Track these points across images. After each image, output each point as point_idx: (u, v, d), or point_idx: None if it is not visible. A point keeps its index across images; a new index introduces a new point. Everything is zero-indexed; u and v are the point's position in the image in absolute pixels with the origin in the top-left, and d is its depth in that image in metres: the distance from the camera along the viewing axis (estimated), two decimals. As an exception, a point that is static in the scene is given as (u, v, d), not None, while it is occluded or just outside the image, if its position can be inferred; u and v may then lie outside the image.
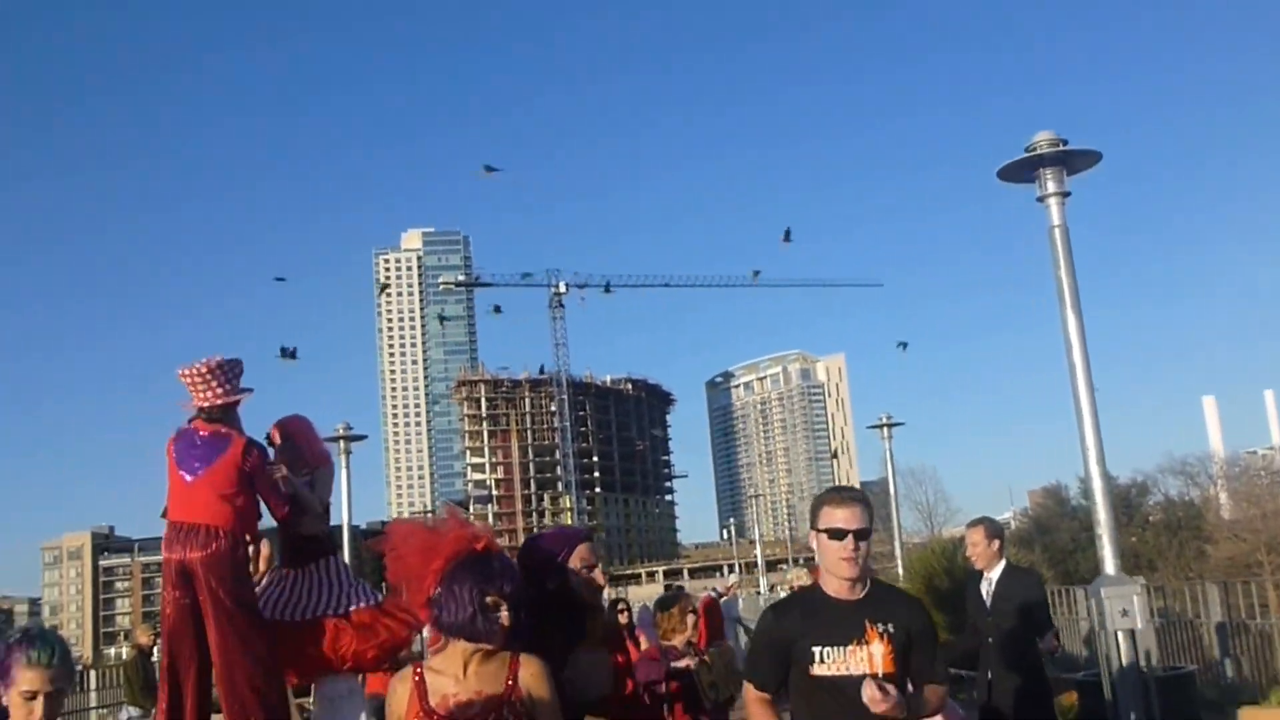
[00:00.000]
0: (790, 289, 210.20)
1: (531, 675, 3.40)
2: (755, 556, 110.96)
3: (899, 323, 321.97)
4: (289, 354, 54.33)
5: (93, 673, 21.16)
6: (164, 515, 5.83)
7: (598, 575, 4.30)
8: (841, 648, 3.79)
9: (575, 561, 4.18)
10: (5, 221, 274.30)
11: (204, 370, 5.65)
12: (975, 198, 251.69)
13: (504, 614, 3.35)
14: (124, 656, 17.28)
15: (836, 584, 3.89)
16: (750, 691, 4.03)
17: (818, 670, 3.80)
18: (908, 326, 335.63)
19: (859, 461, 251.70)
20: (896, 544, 28.84)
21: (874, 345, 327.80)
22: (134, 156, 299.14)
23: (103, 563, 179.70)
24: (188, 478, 5.60)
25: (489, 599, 3.31)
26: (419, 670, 3.40)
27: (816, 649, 3.80)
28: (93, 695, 20.19)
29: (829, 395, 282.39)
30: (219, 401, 5.66)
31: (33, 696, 3.35)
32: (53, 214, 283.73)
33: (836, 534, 3.82)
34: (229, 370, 5.69)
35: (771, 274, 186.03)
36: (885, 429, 27.79)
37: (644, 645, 8.14)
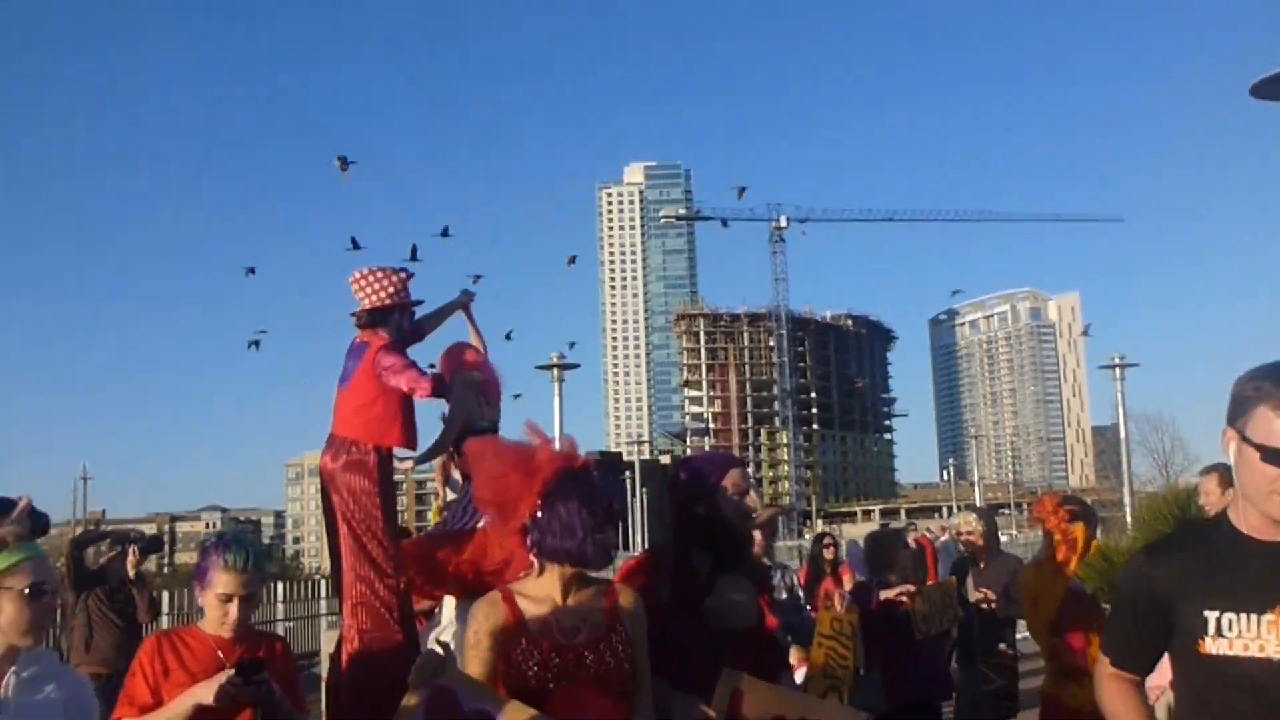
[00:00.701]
0: (1020, 224, 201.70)
1: (630, 603, 3.22)
2: (975, 499, 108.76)
3: (1139, 260, 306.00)
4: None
5: (280, 584, 21.01)
6: None
7: (751, 500, 4.00)
8: (1256, 616, 2.51)
9: (727, 485, 3.86)
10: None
11: (358, 275, 5.51)
12: (1226, 123, 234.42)
13: (610, 535, 3.13)
14: None
15: (1258, 521, 2.64)
16: (1105, 668, 2.80)
17: (1213, 647, 2.54)
18: (1149, 264, 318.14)
19: (1090, 406, 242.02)
20: (1126, 492, 27.63)
21: (1111, 283, 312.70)
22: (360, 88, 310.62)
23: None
24: (336, 389, 5.48)
25: (596, 519, 3.06)
26: (508, 594, 3.14)
27: (1213, 615, 2.55)
28: (280, 607, 20.03)
29: (1060, 335, 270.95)
30: (365, 305, 5.47)
31: (228, 599, 3.48)
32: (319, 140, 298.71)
33: (1275, 455, 2.51)
34: (384, 277, 5.48)
35: (1001, 208, 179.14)
36: (1118, 370, 26.58)
37: (848, 582, 7.89)
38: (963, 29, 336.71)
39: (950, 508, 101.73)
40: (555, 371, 29.63)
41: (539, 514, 3.07)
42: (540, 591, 3.12)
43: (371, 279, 5.45)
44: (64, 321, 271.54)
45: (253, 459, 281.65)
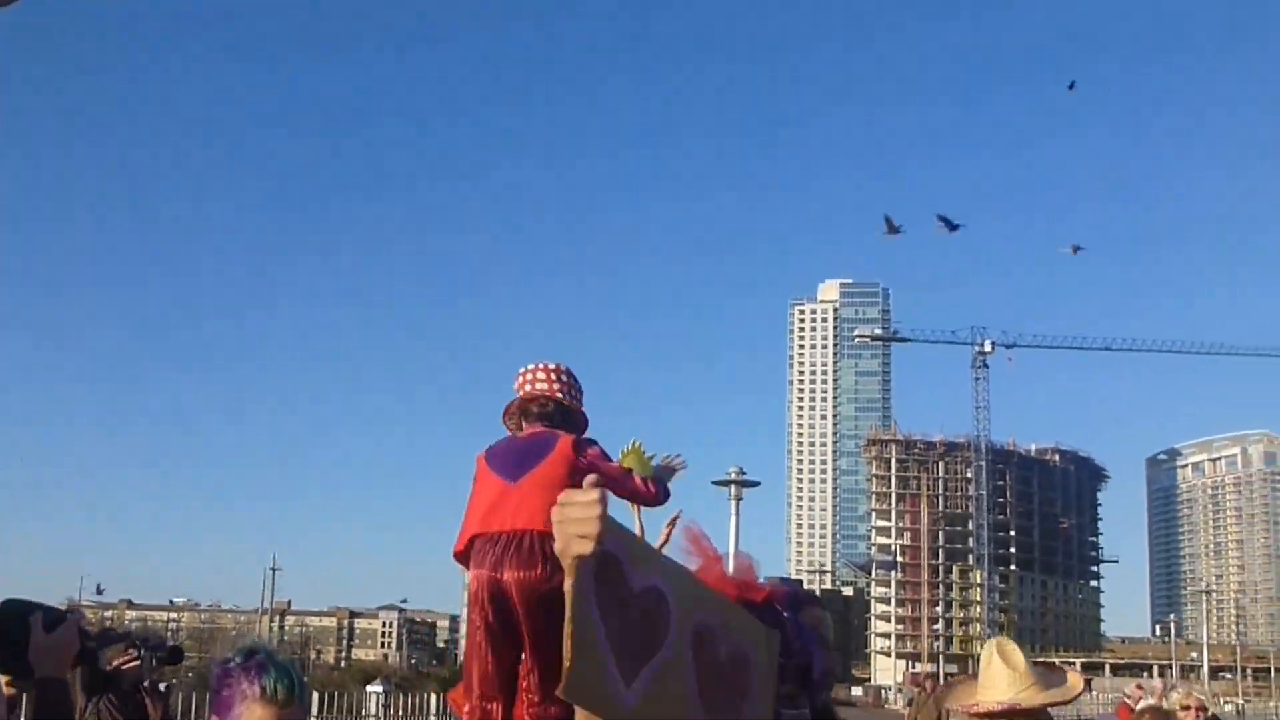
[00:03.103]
0: (1252, 358, 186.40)
1: None
2: (1193, 659, 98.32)
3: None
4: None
5: (435, 696, 21.00)
6: (459, 550, 5.06)
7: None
8: None
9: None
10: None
11: (547, 367, 5.17)
12: None
13: (803, 709, 2.32)
14: None
15: None
16: None
17: None
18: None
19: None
20: None
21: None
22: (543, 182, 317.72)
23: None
24: (507, 482, 4.92)
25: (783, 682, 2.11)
26: None
27: None
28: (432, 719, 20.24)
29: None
30: (556, 395, 5.07)
31: None
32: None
33: None
34: (572, 378, 5.23)
35: (1231, 340, 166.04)
36: None
37: None
38: (1182, 160, 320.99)
39: (1161, 667, 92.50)
40: (733, 489, 26.42)
41: None
42: None
43: (562, 374, 5.20)
44: (263, 410, 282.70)
45: (433, 560, 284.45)
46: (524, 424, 5.11)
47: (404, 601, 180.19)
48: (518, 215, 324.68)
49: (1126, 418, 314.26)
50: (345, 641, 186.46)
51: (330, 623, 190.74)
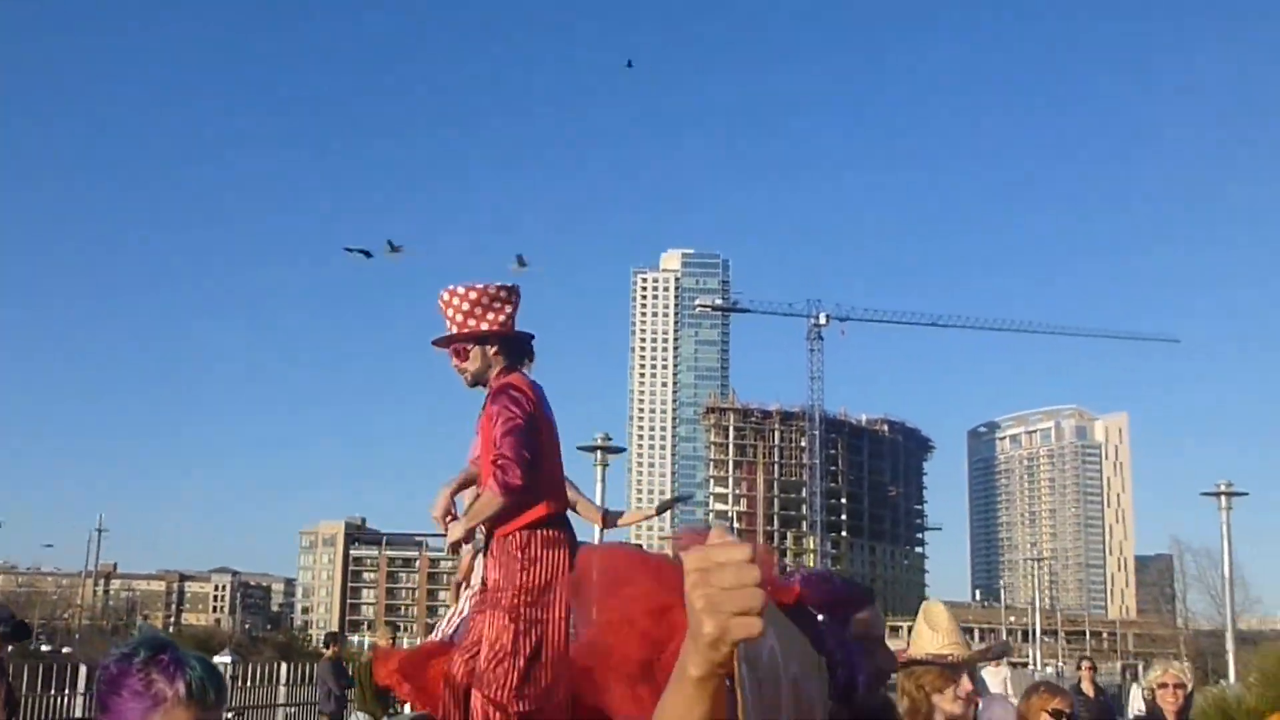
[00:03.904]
0: (1071, 338, 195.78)
1: None
2: (1011, 622, 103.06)
3: (1197, 383, 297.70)
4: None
5: (285, 665, 19.10)
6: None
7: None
8: None
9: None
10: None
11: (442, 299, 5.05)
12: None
13: None
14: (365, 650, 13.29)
15: None
16: None
17: None
18: (1207, 387, 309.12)
19: (1136, 533, 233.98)
20: (1229, 637, 25.70)
21: (1165, 406, 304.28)
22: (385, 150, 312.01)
23: (353, 553, 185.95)
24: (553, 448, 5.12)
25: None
26: None
27: None
28: (281, 690, 18.24)
29: (1105, 457, 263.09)
30: (458, 328, 4.99)
31: None
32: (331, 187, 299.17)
33: None
34: (464, 298, 5.01)
35: (1052, 320, 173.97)
36: (1223, 499, 22.73)
37: None
38: (1022, 138, 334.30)
39: (981, 630, 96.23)
40: (599, 455, 26.02)
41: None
42: None
43: (455, 301, 4.97)
44: (86, 372, 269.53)
45: (268, 524, 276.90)
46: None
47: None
48: (363, 184, 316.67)
49: (951, 391, 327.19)
50: (175, 606, 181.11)
51: (159, 586, 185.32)
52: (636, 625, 1.69)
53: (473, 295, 4.87)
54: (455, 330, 4.86)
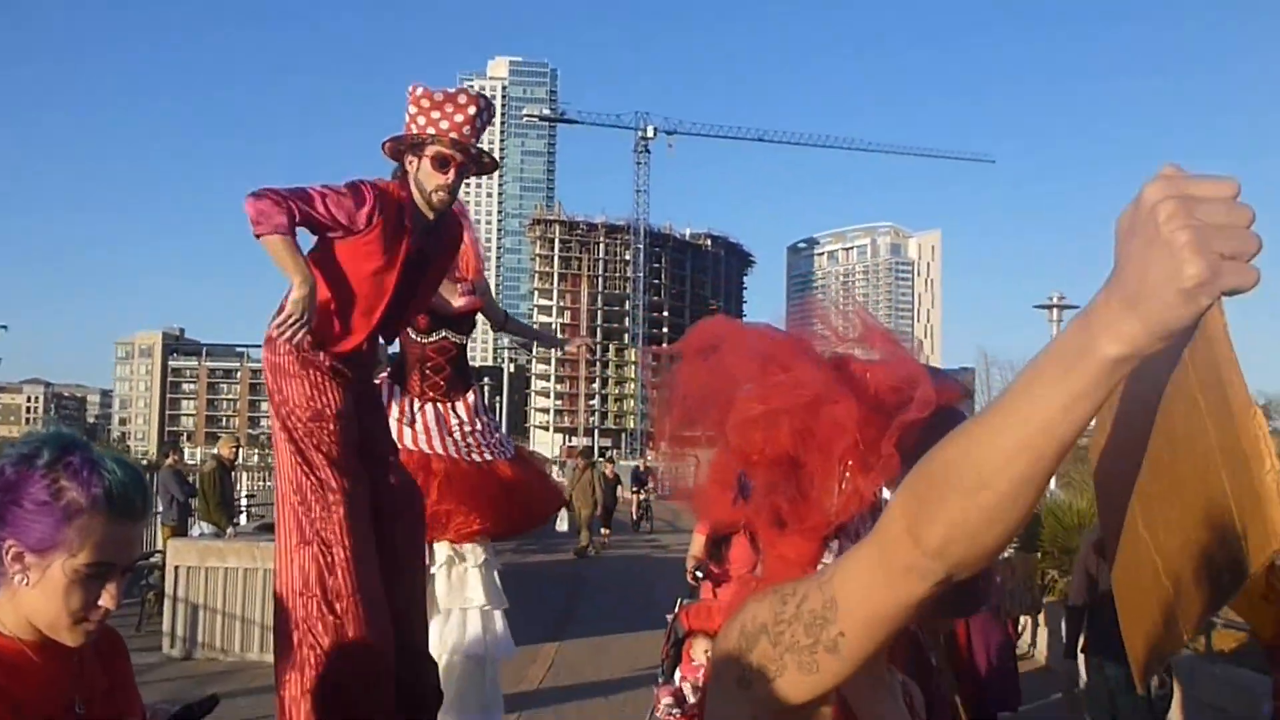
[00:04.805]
0: (892, 156, 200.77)
1: None
2: None
3: (1009, 202, 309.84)
4: None
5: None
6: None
7: None
8: None
9: None
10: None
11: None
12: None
13: None
14: (202, 466, 14.89)
15: None
16: None
17: None
18: (1018, 206, 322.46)
19: (943, 349, 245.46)
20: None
21: (977, 224, 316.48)
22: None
23: (171, 363, 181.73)
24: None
25: None
26: None
27: None
28: None
29: (918, 274, 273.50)
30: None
31: (104, 575, 1.76)
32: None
33: None
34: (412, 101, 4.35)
35: (875, 138, 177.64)
36: (1054, 310, 23.99)
37: None
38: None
39: None
40: None
41: (888, 488, 1.32)
42: None
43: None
44: None
45: (81, 333, 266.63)
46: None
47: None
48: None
49: (773, 207, 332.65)
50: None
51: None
52: (791, 419, 1.33)
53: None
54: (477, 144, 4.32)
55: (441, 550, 5.23)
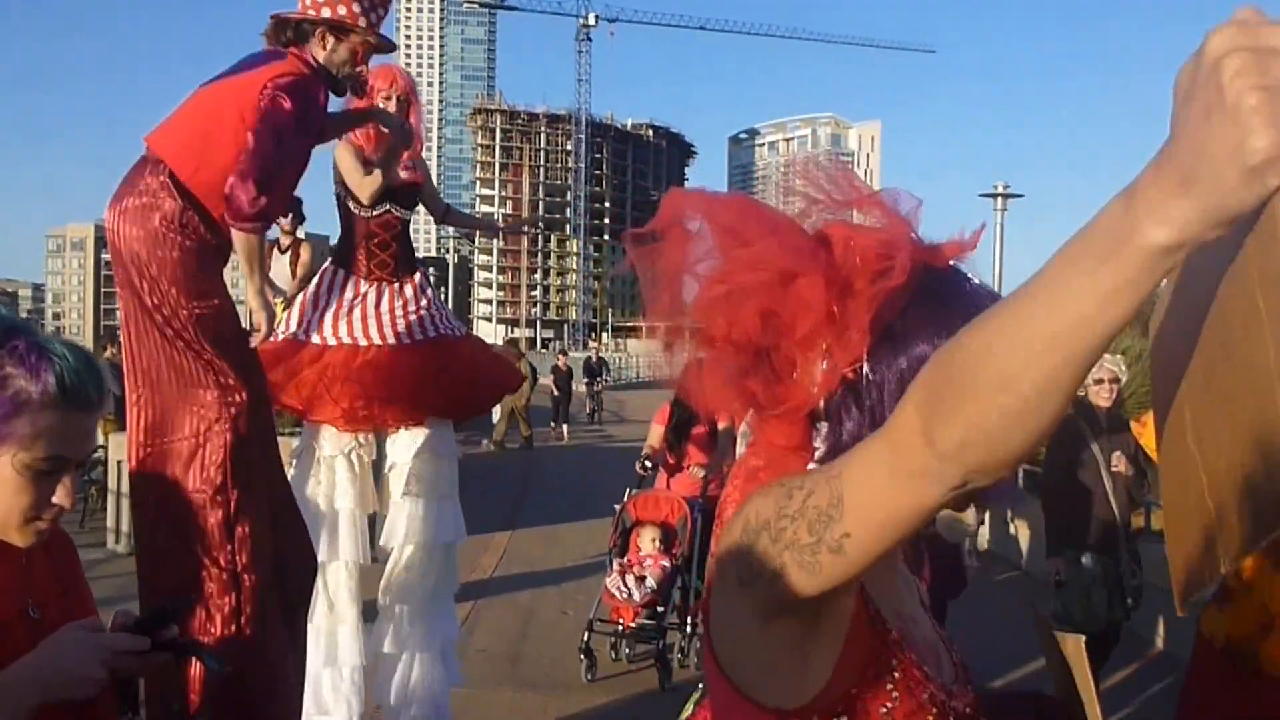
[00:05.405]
0: (833, 46, 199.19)
1: None
2: None
3: (949, 93, 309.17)
4: None
5: None
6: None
7: None
8: None
9: None
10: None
11: None
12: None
13: None
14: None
15: None
16: None
17: None
18: (958, 97, 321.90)
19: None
20: None
21: (917, 114, 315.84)
22: None
23: (105, 257, 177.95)
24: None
25: None
26: None
27: None
28: None
29: (858, 164, 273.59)
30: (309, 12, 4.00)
31: (55, 468, 1.61)
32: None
33: None
34: None
35: (810, 26, 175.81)
36: (999, 200, 23.79)
37: None
38: None
39: None
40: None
41: (868, 364, 1.21)
42: None
43: None
44: None
45: (10, 225, 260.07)
46: None
47: None
48: None
49: (715, 98, 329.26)
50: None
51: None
52: (755, 300, 1.22)
53: None
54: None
55: (398, 440, 5.15)
